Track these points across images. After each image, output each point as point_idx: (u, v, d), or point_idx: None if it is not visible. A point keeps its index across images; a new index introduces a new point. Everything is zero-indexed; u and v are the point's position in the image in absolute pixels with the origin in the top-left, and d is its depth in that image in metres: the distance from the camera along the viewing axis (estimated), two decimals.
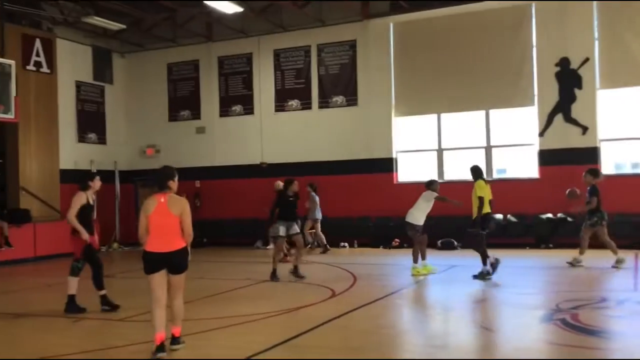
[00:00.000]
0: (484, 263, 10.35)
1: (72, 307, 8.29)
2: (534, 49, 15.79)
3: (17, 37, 16.27)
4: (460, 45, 16.40)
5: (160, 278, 6.07)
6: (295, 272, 10.99)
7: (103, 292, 8.40)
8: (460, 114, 16.73)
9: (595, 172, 11.79)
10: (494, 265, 10.33)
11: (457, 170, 16.68)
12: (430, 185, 11.41)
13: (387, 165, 17.08)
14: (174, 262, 6.07)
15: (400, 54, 17.10)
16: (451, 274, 11.43)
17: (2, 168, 17.15)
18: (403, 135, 17.25)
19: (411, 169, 17.06)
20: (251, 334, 6.99)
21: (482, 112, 16.44)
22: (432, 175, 16.55)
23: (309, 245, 15.91)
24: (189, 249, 6.24)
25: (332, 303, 8.73)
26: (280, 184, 14.42)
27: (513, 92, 15.94)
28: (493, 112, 16.38)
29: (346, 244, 16.76)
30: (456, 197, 14.69)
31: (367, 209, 16.86)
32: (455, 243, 15.48)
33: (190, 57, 19.51)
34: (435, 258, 12.99)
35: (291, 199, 11.20)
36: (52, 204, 16.96)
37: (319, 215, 15.77)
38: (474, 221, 10.47)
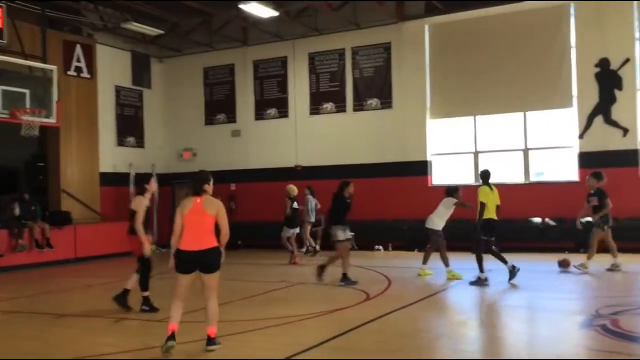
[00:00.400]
0: (480, 270, 10.31)
1: (122, 300, 8.49)
2: (573, 50, 15.52)
3: (59, 43, 16.70)
4: (497, 47, 16.22)
5: (188, 279, 6.20)
6: (345, 279, 10.67)
7: (146, 293, 8.54)
8: (496, 115, 16.53)
9: (599, 175, 11.65)
10: (481, 281, 10.27)
11: (494, 173, 16.45)
12: (452, 192, 11.36)
13: (421, 168, 16.98)
14: (205, 261, 6.16)
15: (435, 55, 17.00)
16: (488, 277, 11.27)
17: (44, 171, 17.61)
18: (438, 138, 17.13)
19: (446, 171, 16.92)
20: (286, 336, 7.03)
21: (520, 114, 16.22)
22: (468, 178, 16.51)
23: (306, 249, 15.83)
24: (222, 250, 6.31)
25: (367, 306, 8.73)
26: (293, 188, 14.60)
27: (551, 93, 15.69)
28: (530, 114, 16.15)
29: (380, 247, 16.71)
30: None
31: (401, 212, 16.77)
32: (493, 247, 15.27)
33: (226, 61, 19.72)
34: (471, 262, 12.86)
35: (348, 201, 10.88)
36: (92, 206, 17.34)
37: (312, 218, 15.75)
38: (474, 226, 10.44)
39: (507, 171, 16.34)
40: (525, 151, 16.22)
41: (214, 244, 6.20)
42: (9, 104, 12.71)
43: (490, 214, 10.37)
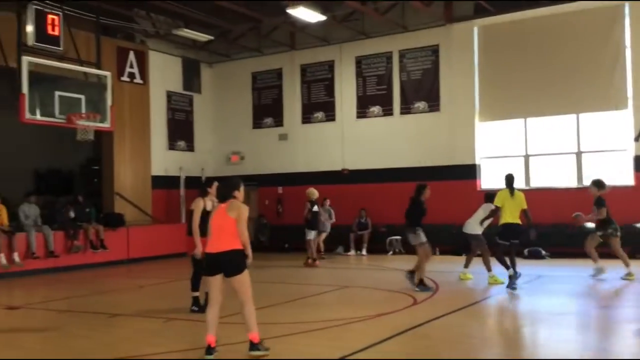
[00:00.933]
0: (506, 268, 10.30)
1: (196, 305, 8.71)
2: (628, 50, 15.05)
3: (113, 50, 17.19)
4: (549, 48, 15.86)
5: (216, 280, 6.22)
6: (411, 276, 10.55)
7: (196, 294, 8.70)
8: (548, 118, 16.17)
9: (600, 184, 11.43)
10: (513, 279, 10.24)
11: (545, 177, 16.12)
12: (491, 198, 11.24)
13: (470, 171, 16.74)
14: (224, 263, 6.15)
15: (484, 57, 16.75)
16: (537, 284, 11.05)
17: (98, 174, 18.15)
18: (487, 141, 16.87)
19: (496, 175, 16.61)
20: (332, 340, 7.04)
21: (572, 116, 15.82)
22: (518, 181, 16.19)
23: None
24: (249, 252, 6.25)
25: (414, 311, 8.66)
26: (313, 191, 14.70)
27: (605, 95, 15.25)
28: (583, 116, 15.74)
29: None
30: (544, 204, 14.23)
31: (449, 216, 16.49)
32: (543, 252, 14.96)
33: (274, 66, 19.92)
34: (521, 268, 12.60)
35: (425, 205, 10.72)
36: (144, 209, 17.77)
37: (327, 228, 16.06)
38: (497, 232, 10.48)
39: (559, 175, 15.96)
40: (578, 154, 15.81)
41: (234, 246, 6.15)
42: (65, 109, 13.12)
43: (509, 218, 10.32)
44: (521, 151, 16.46)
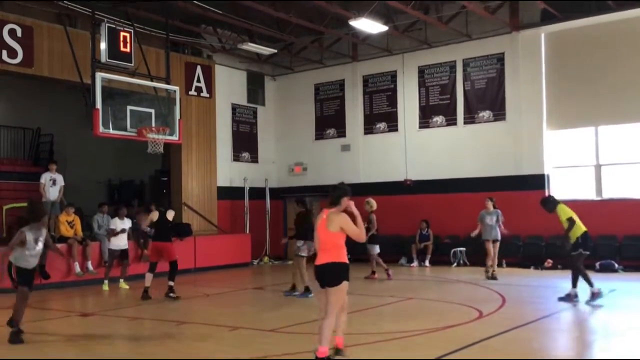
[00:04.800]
0: (590, 285, 9.99)
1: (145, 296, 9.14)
2: None
3: (181, 65, 17.74)
4: (620, 54, 15.31)
5: (323, 293, 6.34)
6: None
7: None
8: (620, 126, 15.57)
9: None
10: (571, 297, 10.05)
11: (618, 187, 15.51)
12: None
13: (538, 181, 16.28)
14: (323, 275, 6.32)
15: (552, 65, 16.32)
16: (610, 298, 10.60)
17: (167, 185, 18.71)
18: (556, 150, 16.39)
19: (566, 185, 16.12)
20: (395, 352, 6.99)
21: None
22: (589, 192, 15.72)
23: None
24: (363, 230, 6.40)
25: (480, 324, 8.49)
26: (372, 201, 14.13)
27: None
28: None
29: None
30: (617, 215, 13.71)
31: (515, 227, 16.11)
32: (617, 265, 14.38)
33: (336, 77, 20.03)
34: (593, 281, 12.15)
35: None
36: (210, 219, 18.17)
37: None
38: (574, 244, 10.10)
39: (633, 185, 15.31)
40: None
41: (333, 259, 6.31)
42: (136, 123, 13.61)
43: (584, 227, 10.16)
44: (592, 161, 15.90)
